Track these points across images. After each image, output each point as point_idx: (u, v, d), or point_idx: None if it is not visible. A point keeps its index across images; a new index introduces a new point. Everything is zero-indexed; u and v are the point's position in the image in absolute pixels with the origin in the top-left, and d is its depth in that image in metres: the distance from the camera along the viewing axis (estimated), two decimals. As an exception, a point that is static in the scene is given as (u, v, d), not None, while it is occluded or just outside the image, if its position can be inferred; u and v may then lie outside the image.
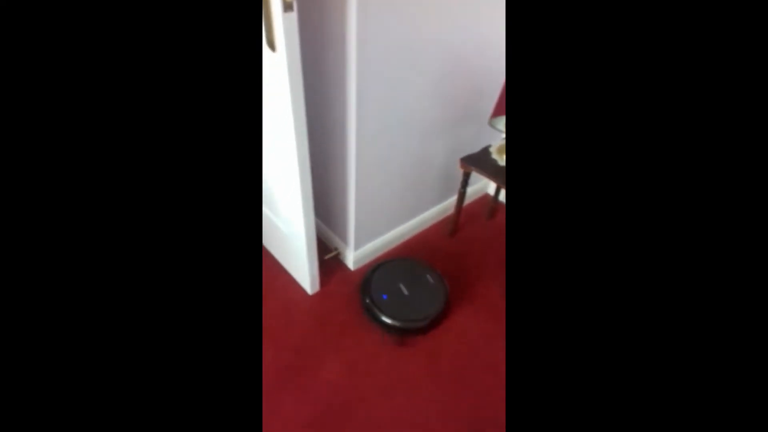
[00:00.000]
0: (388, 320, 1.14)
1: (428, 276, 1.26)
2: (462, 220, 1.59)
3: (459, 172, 1.47)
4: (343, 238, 1.34)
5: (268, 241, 1.36)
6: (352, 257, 1.34)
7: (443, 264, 1.41)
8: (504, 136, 1.33)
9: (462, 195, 1.40)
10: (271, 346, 1.13)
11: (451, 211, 1.57)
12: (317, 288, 1.29)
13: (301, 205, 1.03)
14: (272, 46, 0.75)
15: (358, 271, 1.37)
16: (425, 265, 1.29)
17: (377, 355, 1.13)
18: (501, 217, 1.63)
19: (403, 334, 1.17)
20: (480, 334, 1.20)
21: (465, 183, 1.36)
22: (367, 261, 1.40)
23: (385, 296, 1.19)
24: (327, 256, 1.37)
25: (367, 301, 1.19)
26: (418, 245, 1.48)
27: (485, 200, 1.72)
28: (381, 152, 1.14)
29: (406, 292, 1.21)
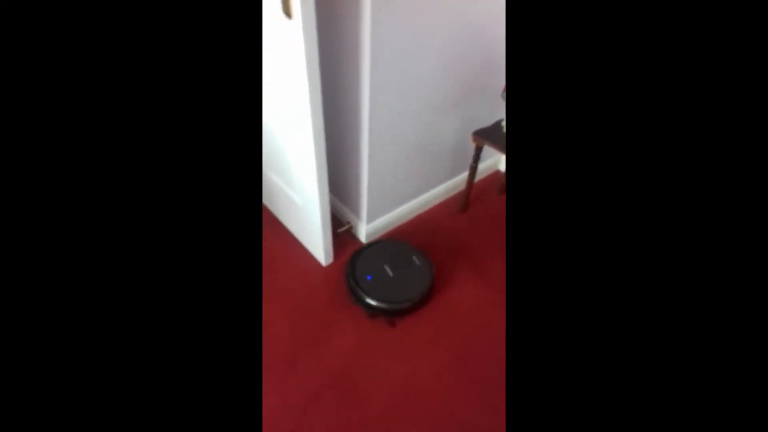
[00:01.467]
0: (372, 302, 1.13)
1: (414, 258, 1.24)
2: (473, 196, 1.60)
3: (471, 147, 1.48)
4: (356, 212, 1.37)
5: (283, 213, 1.39)
6: (365, 231, 1.37)
7: (453, 239, 1.43)
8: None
9: (474, 170, 1.40)
10: (287, 314, 1.17)
11: (463, 186, 1.58)
12: (330, 260, 1.32)
13: (316, 178, 1.05)
14: (288, 14, 0.76)
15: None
16: (411, 247, 1.28)
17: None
18: (512, 194, 1.63)
19: (388, 316, 1.17)
20: (488, 303, 1.22)
21: (477, 158, 1.36)
22: (378, 235, 1.42)
23: (369, 277, 1.18)
24: (340, 230, 1.40)
25: (351, 282, 1.17)
26: (429, 220, 1.50)
27: (497, 176, 1.73)
28: (394, 126, 1.15)
29: (391, 273, 1.20)
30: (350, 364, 1.07)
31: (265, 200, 1.47)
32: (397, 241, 1.29)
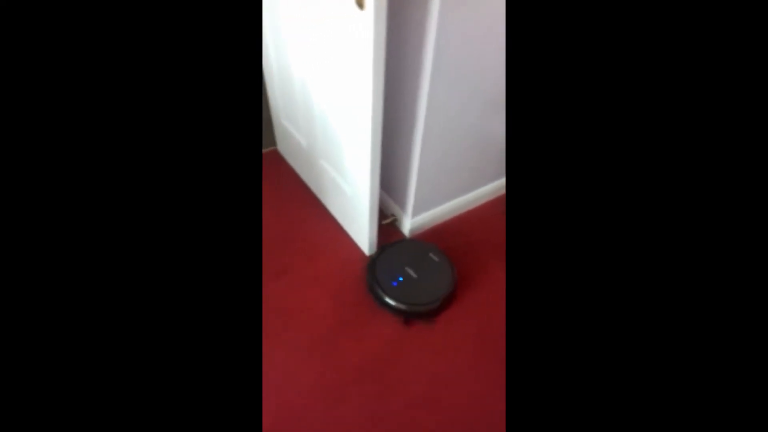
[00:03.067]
0: (395, 303, 1.14)
1: (432, 256, 1.25)
2: (521, 198, 1.56)
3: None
4: (401, 206, 1.37)
5: (330, 200, 1.42)
6: (409, 224, 1.37)
7: (495, 240, 1.40)
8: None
9: (525, 171, 1.36)
10: (330, 300, 1.20)
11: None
12: (374, 250, 1.34)
13: (369, 169, 1.06)
14: (360, 4, 0.76)
15: (414, 238, 1.40)
16: (430, 246, 1.29)
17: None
18: (562, 198, 1.58)
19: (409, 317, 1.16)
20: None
21: (530, 159, 1.33)
22: (422, 230, 1.42)
23: (394, 283, 1.18)
24: (384, 222, 1.41)
25: (375, 287, 1.18)
26: (472, 220, 1.48)
27: (547, 180, 1.67)
28: (449, 120, 1.14)
29: (414, 275, 1.20)
30: (388, 351, 1.09)
31: (313, 186, 1.50)
32: (413, 240, 1.31)
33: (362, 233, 1.29)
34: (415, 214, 1.35)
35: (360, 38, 0.82)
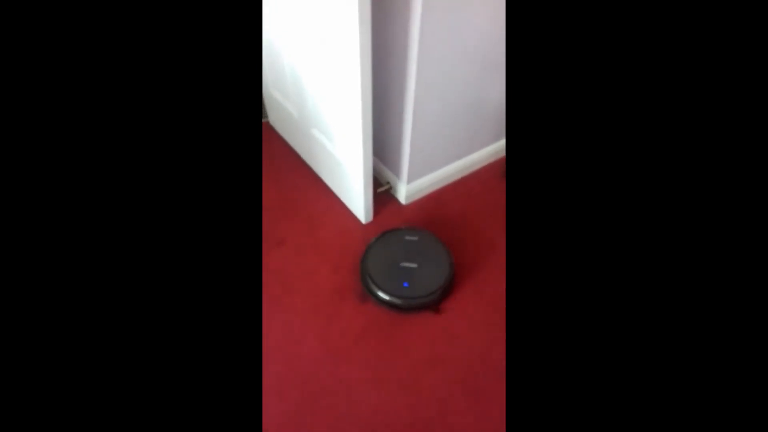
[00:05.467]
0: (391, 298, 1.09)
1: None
2: (517, 161, 1.55)
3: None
4: (396, 172, 1.36)
5: (324, 170, 1.41)
6: (405, 191, 1.37)
7: (493, 205, 1.41)
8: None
9: (520, 133, 1.35)
10: (329, 267, 1.22)
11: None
12: (370, 218, 1.34)
13: (361, 136, 1.05)
14: (343, -42, 0.73)
15: (410, 205, 1.40)
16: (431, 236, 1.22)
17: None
18: (558, 160, 1.57)
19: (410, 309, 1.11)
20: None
21: (525, 120, 1.31)
22: (418, 197, 1.42)
23: (406, 284, 1.11)
24: (379, 190, 1.41)
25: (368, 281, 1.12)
26: (470, 184, 1.48)
27: (542, 142, 1.66)
28: (441, 83, 1.11)
29: (414, 266, 1.14)
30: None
31: (307, 157, 1.49)
32: (394, 230, 1.24)
33: (357, 202, 1.29)
34: (410, 180, 1.35)
35: (344, -5, 0.79)
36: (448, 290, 1.16)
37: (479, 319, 1.11)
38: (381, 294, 1.11)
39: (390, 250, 1.19)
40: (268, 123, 1.67)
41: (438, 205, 1.40)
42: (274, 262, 1.23)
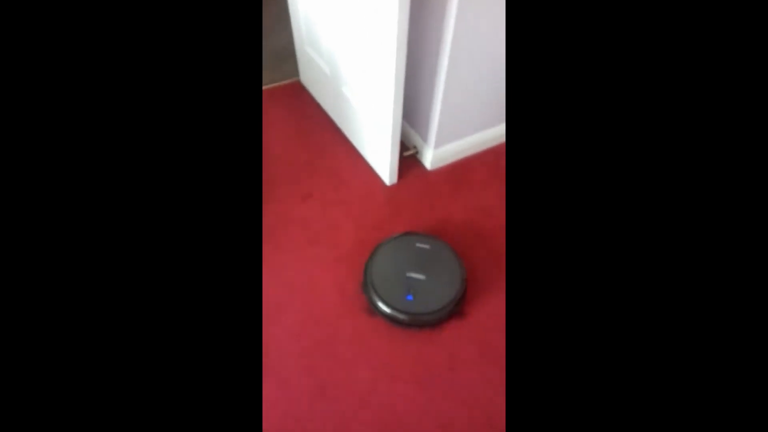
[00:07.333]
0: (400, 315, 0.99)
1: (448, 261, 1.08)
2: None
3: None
4: (424, 137, 1.37)
5: (351, 129, 1.43)
6: (431, 156, 1.38)
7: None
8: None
9: (552, 105, 1.33)
10: (351, 223, 1.26)
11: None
12: (395, 180, 1.37)
13: (393, 97, 1.06)
14: None
15: (435, 171, 1.42)
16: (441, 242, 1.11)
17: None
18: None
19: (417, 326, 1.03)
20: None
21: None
22: (444, 163, 1.43)
23: (410, 297, 1.02)
24: (406, 154, 1.42)
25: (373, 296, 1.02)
26: (497, 155, 1.47)
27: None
28: (476, 50, 1.10)
29: (422, 277, 1.04)
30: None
31: (336, 117, 1.51)
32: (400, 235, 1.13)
33: (383, 163, 1.31)
34: (438, 145, 1.36)
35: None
36: (455, 309, 1.04)
37: (489, 350, 1.01)
38: (381, 305, 1.01)
39: (399, 256, 1.09)
40: (299, 82, 1.69)
41: (464, 172, 1.41)
42: (300, 214, 1.27)
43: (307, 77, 1.61)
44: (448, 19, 1.01)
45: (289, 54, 1.76)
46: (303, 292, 1.11)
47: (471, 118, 1.34)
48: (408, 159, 1.44)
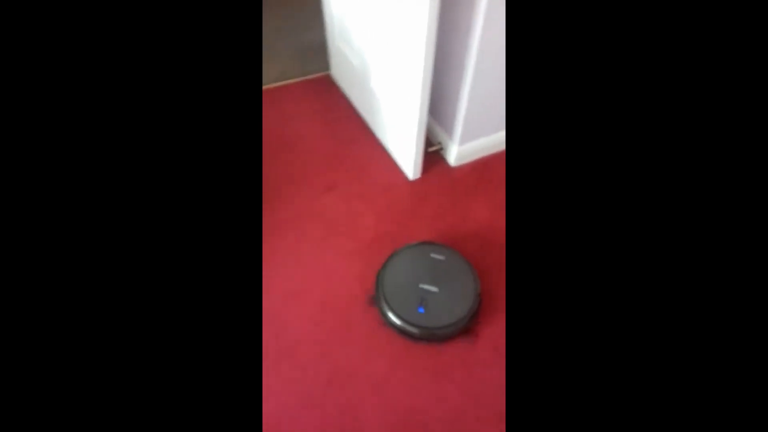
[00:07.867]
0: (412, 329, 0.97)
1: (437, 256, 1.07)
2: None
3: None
4: (449, 133, 1.37)
5: (377, 122, 1.45)
6: (455, 153, 1.38)
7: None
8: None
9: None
10: (373, 216, 1.28)
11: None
12: (418, 175, 1.38)
13: (420, 92, 1.07)
14: None
15: (459, 167, 1.41)
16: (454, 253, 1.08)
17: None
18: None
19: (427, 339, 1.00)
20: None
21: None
22: (468, 160, 1.43)
23: (421, 309, 1.00)
24: (430, 149, 1.43)
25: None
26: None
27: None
28: (503, 47, 1.09)
29: (435, 289, 1.02)
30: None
31: (363, 110, 1.53)
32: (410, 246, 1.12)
33: (408, 158, 1.32)
34: (463, 141, 1.36)
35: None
36: (468, 326, 1.01)
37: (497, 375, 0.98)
38: (392, 315, 1.00)
39: (412, 266, 1.07)
40: (329, 75, 1.72)
41: (487, 170, 1.40)
42: (323, 204, 1.31)
43: (337, 71, 1.64)
44: (477, 15, 1.01)
45: (321, 49, 1.79)
46: (323, 281, 1.14)
47: (498, 115, 1.33)
48: (432, 154, 1.45)
